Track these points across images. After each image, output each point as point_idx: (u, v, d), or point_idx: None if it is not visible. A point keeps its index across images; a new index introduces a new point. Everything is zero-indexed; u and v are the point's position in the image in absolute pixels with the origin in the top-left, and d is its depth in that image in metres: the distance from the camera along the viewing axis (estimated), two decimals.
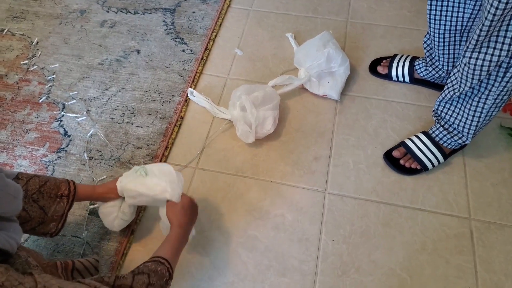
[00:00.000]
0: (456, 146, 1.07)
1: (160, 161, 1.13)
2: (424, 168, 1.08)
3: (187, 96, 1.26)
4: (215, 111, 1.22)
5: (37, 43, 1.42)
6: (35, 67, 1.35)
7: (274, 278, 0.95)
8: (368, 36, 1.41)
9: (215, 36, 1.42)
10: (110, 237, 1.00)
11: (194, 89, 1.27)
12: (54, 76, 1.33)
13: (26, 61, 1.37)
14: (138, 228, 1.03)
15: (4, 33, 1.45)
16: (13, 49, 1.41)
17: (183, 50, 1.38)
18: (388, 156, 1.12)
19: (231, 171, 1.12)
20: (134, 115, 1.23)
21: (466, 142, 1.04)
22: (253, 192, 1.08)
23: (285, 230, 1.02)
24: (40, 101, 1.27)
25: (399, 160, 1.10)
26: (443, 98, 1.03)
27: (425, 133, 1.10)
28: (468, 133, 1.01)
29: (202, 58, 1.35)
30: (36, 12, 1.52)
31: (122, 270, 0.96)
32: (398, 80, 1.28)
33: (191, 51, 1.38)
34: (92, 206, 1.05)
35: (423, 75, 1.22)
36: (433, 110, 1.09)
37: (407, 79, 1.26)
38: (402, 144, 1.11)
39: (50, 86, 1.30)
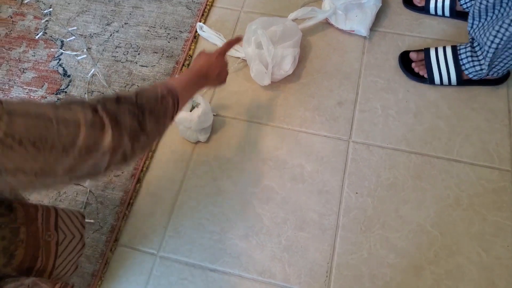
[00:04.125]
0: (474, 75, 0.92)
1: None
2: (430, 80, 0.96)
3: (196, 31, 1.08)
4: None
5: None
6: None
7: (291, 232, 0.84)
8: None
9: None
10: (114, 185, 0.89)
11: (204, 23, 1.09)
12: (51, 9, 1.16)
13: None
14: (145, 176, 0.91)
15: None
16: None
17: None
18: (404, 56, 1.00)
19: (245, 117, 0.97)
20: (139, 53, 1.06)
21: (483, 71, 0.89)
22: (268, 140, 0.94)
23: (304, 181, 0.89)
24: (37, 37, 1.11)
25: (412, 63, 0.98)
26: (472, 12, 0.86)
27: (453, 47, 0.95)
28: (486, 55, 0.85)
29: None
30: None
31: (128, 221, 0.87)
32: (436, 14, 1.07)
33: None
34: None
35: (467, 7, 1.01)
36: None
37: (447, 12, 1.05)
38: (425, 50, 0.98)
39: (47, 20, 1.14)
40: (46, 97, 1.01)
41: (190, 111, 0.88)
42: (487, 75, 0.91)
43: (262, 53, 0.95)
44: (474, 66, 0.90)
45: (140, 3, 1.15)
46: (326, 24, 1.08)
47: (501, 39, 0.81)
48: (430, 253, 0.80)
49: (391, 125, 0.94)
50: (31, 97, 1.02)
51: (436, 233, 0.82)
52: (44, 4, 1.17)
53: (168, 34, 1.09)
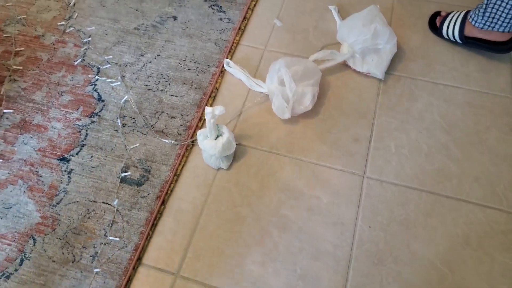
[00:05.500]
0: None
1: (194, 132, 1.03)
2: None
3: (223, 66, 1.14)
4: (252, 84, 1.10)
5: (74, 4, 1.32)
6: (72, 29, 1.26)
7: (306, 261, 0.86)
8: (416, 13, 1.24)
9: (254, 5, 1.29)
10: (140, 206, 0.92)
11: (231, 59, 1.16)
12: (90, 39, 1.23)
13: (63, 23, 1.27)
14: (170, 199, 0.95)
15: None
16: (51, 9, 1.31)
17: (221, 19, 1.25)
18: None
19: (265, 147, 1.02)
20: (169, 84, 1.12)
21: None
22: (287, 171, 0.98)
23: (320, 212, 0.92)
24: (76, 63, 1.18)
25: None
26: None
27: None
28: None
29: (240, 28, 1.22)
30: None
31: (151, 240, 0.89)
32: (449, 39, 1.16)
33: (229, 20, 1.25)
34: (124, 174, 0.97)
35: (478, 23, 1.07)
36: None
37: (458, 39, 1.13)
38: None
39: (86, 49, 1.21)
40: (80, 119, 1.07)
41: (215, 139, 0.93)
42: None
43: (284, 89, 1.00)
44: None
45: (172, 38, 1.22)
46: (344, 66, 1.14)
47: None
48: None
49: (404, 164, 0.97)
50: (67, 118, 1.07)
51: (446, 271, 0.84)
52: (84, 33, 1.25)
53: (197, 67, 1.15)
